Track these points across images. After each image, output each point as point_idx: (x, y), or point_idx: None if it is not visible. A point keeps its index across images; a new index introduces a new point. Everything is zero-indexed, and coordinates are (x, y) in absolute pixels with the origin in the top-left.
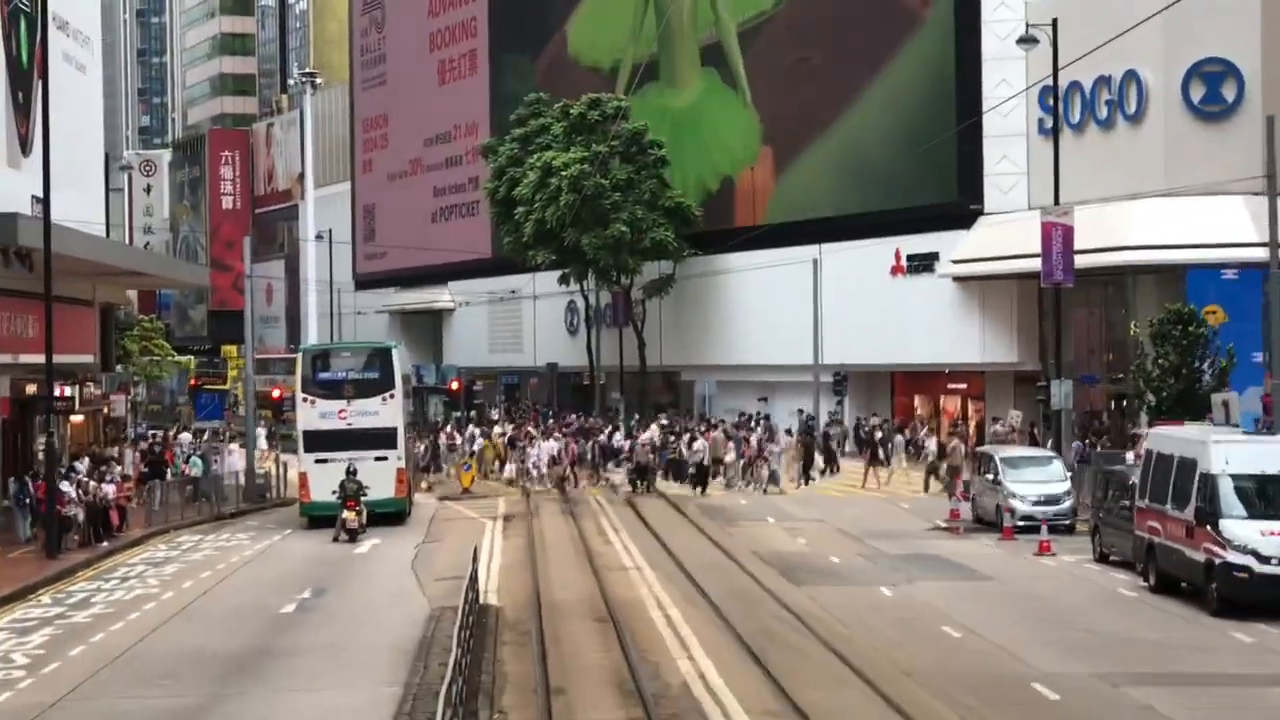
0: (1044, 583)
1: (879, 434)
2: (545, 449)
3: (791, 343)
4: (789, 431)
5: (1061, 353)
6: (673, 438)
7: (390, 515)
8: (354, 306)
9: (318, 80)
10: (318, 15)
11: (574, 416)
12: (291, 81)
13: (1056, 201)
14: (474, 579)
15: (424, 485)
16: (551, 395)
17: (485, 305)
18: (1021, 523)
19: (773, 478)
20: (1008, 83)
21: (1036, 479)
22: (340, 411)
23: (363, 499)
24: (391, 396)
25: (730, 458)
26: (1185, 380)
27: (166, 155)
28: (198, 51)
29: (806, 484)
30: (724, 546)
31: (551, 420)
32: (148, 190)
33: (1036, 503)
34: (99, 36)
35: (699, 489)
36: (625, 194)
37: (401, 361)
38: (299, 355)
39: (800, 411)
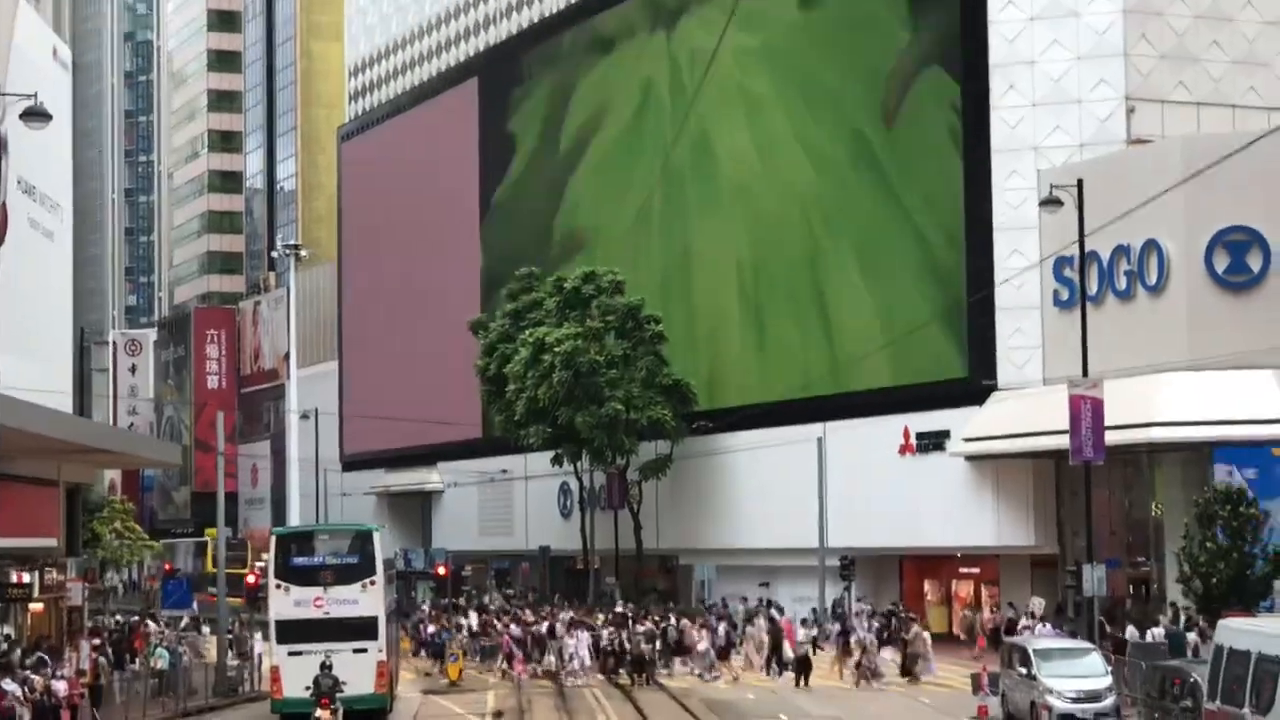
0: None
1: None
2: (584, 640)
3: (795, 525)
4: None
5: (1091, 535)
6: (611, 630)
7: (370, 712)
8: (340, 488)
9: (302, 252)
10: (306, 193)
11: (621, 604)
12: (275, 254)
13: (1085, 373)
14: None
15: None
16: (544, 580)
17: (475, 486)
18: None
19: (874, 672)
20: (1020, 253)
21: (1074, 673)
22: (316, 599)
23: (340, 695)
24: (372, 583)
25: (703, 646)
26: (1236, 565)
27: (152, 334)
28: (185, 230)
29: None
30: None
31: (581, 609)
32: (133, 370)
33: (1076, 700)
34: (70, 204)
35: (801, 681)
36: (621, 371)
37: (383, 545)
38: (271, 539)
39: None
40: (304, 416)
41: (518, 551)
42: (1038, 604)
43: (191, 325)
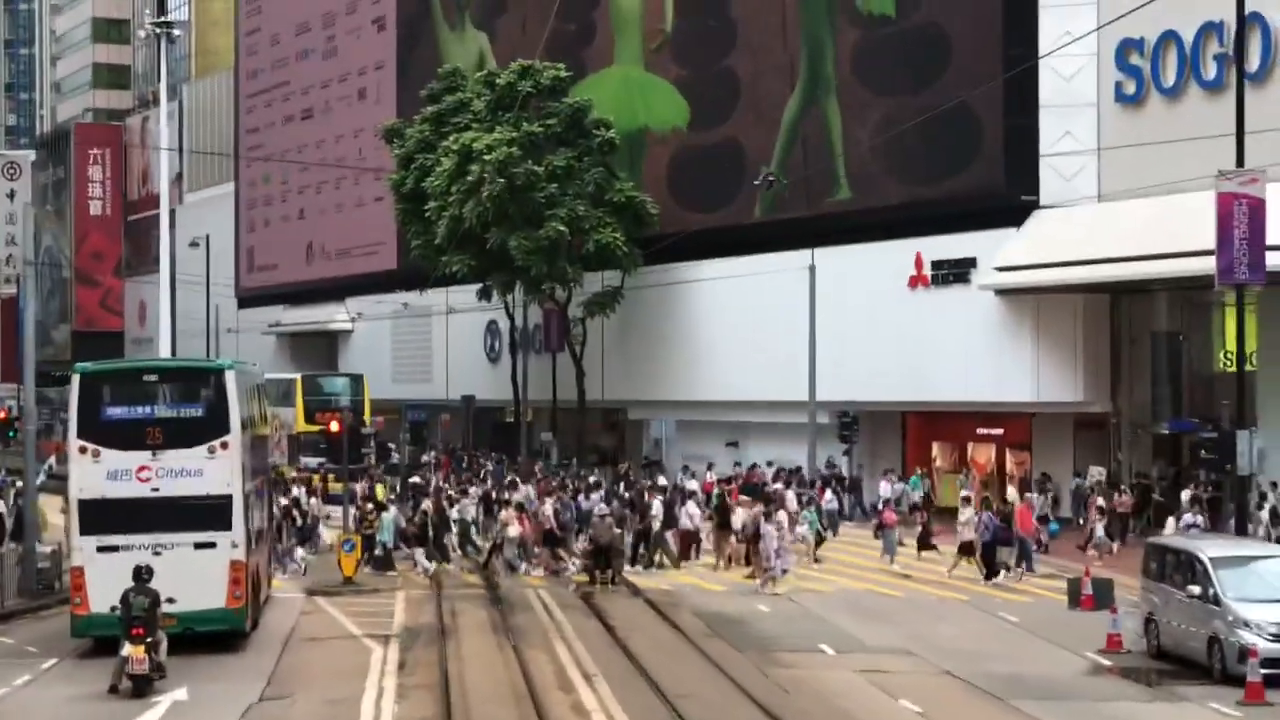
0: None
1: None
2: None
3: (773, 374)
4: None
5: (1244, 395)
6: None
7: (219, 635)
8: (235, 325)
9: (175, 31)
10: None
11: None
12: (142, 34)
13: (1240, 161)
14: None
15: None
16: (467, 435)
17: (389, 323)
18: (1266, 671)
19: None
20: (1072, 34)
21: (1275, 595)
22: (140, 469)
23: (168, 614)
24: (224, 446)
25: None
26: None
27: (32, 155)
28: (69, 39)
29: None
30: None
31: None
32: (11, 196)
33: None
34: None
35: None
36: (564, 185)
37: (245, 391)
38: (72, 380)
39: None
40: (193, 244)
41: (437, 401)
42: (1098, 473)
43: (72, 143)
